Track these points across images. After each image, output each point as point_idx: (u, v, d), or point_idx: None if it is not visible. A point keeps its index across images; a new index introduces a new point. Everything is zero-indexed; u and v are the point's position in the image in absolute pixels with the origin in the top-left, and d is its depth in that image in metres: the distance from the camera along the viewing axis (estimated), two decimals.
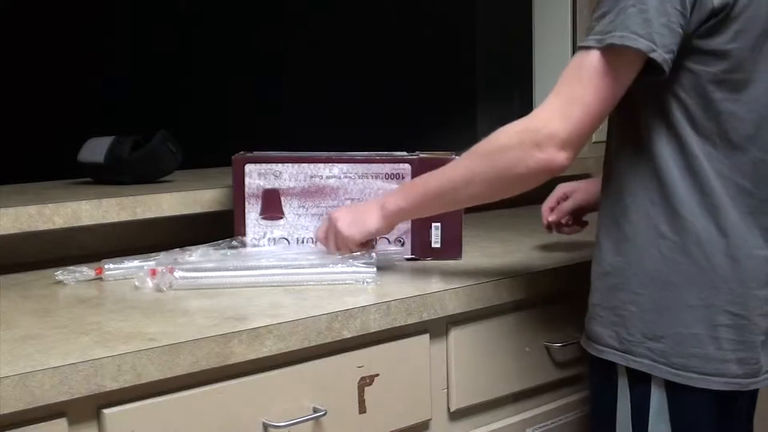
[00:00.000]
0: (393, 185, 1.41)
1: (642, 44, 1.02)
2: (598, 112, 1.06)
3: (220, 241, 1.50)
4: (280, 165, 1.43)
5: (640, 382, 1.14)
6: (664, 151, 1.09)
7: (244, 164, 1.43)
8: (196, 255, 1.38)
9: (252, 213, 1.44)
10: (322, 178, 1.43)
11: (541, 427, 1.43)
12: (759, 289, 1.11)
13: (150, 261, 1.36)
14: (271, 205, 1.43)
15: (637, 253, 1.13)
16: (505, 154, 1.11)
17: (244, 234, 1.44)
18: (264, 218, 1.44)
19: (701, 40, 1.05)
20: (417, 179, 1.28)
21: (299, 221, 1.44)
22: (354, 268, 1.31)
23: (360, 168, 1.42)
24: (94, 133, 1.73)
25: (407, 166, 1.42)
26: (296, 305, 1.17)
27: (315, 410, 1.13)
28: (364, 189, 1.43)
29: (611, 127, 1.18)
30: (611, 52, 1.04)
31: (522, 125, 1.10)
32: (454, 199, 1.21)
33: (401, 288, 1.26)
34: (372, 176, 1.42)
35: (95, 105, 5.02)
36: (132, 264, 1.35)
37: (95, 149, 1.67)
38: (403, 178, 1.42)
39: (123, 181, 1.64)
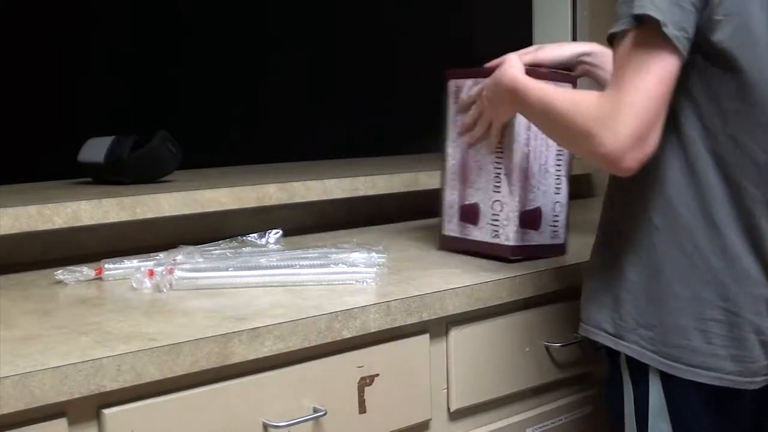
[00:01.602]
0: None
1: (659, 14, 1.00)
2: (653, 100, 1.03)
3: (219, 241, 1.50)
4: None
5: (639, 373, 1.15)
6: (665, 144, 1.09)
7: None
8: (196, 255, 1.38)
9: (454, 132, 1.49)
10: None
11: (541, 427, 1.43)
12: (755, 288, 1.11)
13: (150, 261, 1.36)
14: None
15: (633, 241, 1.15)
16: (574, 134, 1.10)
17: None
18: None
19: (708, 33, 1.04)
20: (541, 86, 1.22)
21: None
22: (354, 268, 1.31)
23: None
24: (94, 133, 1.73)
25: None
26: (296, 305, 1.17)
27: (315, 410, 1.13)
28: None
29: None
30: (640, 31, 1.03)
31: (596, 114, 1.06)
32: (542, 128, 1.24)
33: (401, 288, 1.26)
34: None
35: (95, 105, 5.01)
36: (132, 264, 1.35)
37: (95, 149, 1.67)
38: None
39: (123, 181, 1.64)
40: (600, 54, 1.41)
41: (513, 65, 1.30)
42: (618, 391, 1.19)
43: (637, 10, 1.02)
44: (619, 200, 1.18)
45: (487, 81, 1.38)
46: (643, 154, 1.04)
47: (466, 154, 1.46)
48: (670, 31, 1.00)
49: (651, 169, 1.10)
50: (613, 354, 1.18)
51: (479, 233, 1.43)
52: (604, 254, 1.21)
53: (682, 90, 1.07)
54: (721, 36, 1.04)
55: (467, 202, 1.45)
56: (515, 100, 1.26)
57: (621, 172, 1.07)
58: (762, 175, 1.10)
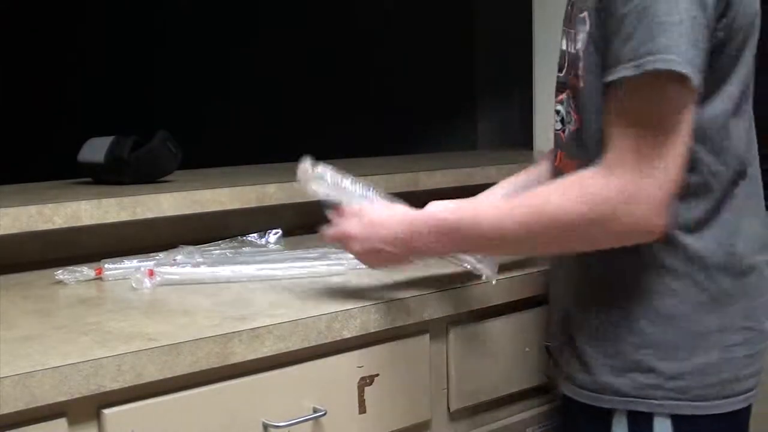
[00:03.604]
0: None
1: (687, 68, 0.90)
2: (683, 157, 0.94)
3: (219, 241, 1.51)
4: None
5: (642, 420, 1.06)
6: None
7: None
8: (196, 255, 1.38)
9: None
10: None
11: (541, 427, 1.43)
12: (761, 297, 1.09)
13: (150, 261, 1.36)
14: None
15: (641, 290, 1.05)
16: (587, 230, 0.97)
17: None
18: None
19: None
20: (460, 226, 1.06)
21: None
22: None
23: None
24: (94, 133, 1.73)
25: None
26: (296, 305, 1.17)
27: (315, 410, 1.13)
28: None
29: None
30: (659, 81, 0.92)
31: (598, 193, 0.95)
32: (508, 252, 1.08)
33: (401, 288, 1.26)
34: None
35: (95, 105, 5.02)
36: (132, 264, 1.36)
37: (95, 149, 1.67)
38: None
39: (123, 181, 1.64)
40: None
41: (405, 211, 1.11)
42: None
43: (662, 65, 0.90)
44: (608, 251, 1.03)
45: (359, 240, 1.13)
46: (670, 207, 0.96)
47: None
48: (694, 82, 0.92)
49: None
50: (601, 411, 1.09)
51: None
52: (600, 314, 1.09)
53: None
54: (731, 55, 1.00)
55: None
56: (455, 240, 1.07)
57: (657, 237, 0.98)
58: (743, 186, 1.06)
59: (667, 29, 0.90)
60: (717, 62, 0.99)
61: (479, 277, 1.25)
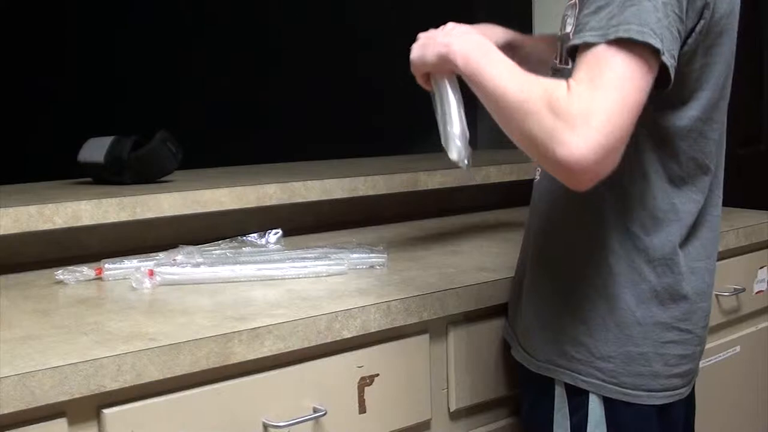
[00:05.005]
0: None
1: (658, 43, 0.89)
2: (633, 109, 0.90)
3: (219, 241, 1.51)
4: None
5: (578, 394, 1.11)
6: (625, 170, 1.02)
7: None
8: (196, 255, 1.38)
9: None
10: None
11: None
12: (702, 302, 1.11)
13: (150, 261, 1.36)
14: None
15: (587, 268, 1.09)
16: (534, 126, 0.92)
17: None
18: None
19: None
20: (494, 59, 1.02)
21: None
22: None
23: None
24: (94, 133, 1.73)
25: None
26: (296, 305, 1.17)
27: (315, 410, 1.13)
28: None
29: None
30: (623, 47, 0.90)
31: (565, 110, 0.89)
32: (494, 112, 1.01)
33: (401, 288, 1.26)
34: None
35: (95, 105, 5.02)
36: (132, 264, 1.36)
37: (95, 149, 1.67)
38: None
39: (123, 181, 1.64)
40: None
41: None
42: (546, 415, 1.14)
43: (636, 36, 0.89)
44: (564, 226, 1.11)
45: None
46: (606, 169, 0.91)
47: None
48: (666, 59, 0.91)
49: (607, 194, 1.05)
50: (544, 380, 1.14)
51: None
52: (547, 283, 1.14)
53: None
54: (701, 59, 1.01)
55: None
56: (471, 59, 1.04)
57: (576, 184, 0.92)
58: (703, 186, 1.08)
59: (647, 9, 0.90)
60: (691, 64, 1.00)
61: (453, 159, 1.14)
